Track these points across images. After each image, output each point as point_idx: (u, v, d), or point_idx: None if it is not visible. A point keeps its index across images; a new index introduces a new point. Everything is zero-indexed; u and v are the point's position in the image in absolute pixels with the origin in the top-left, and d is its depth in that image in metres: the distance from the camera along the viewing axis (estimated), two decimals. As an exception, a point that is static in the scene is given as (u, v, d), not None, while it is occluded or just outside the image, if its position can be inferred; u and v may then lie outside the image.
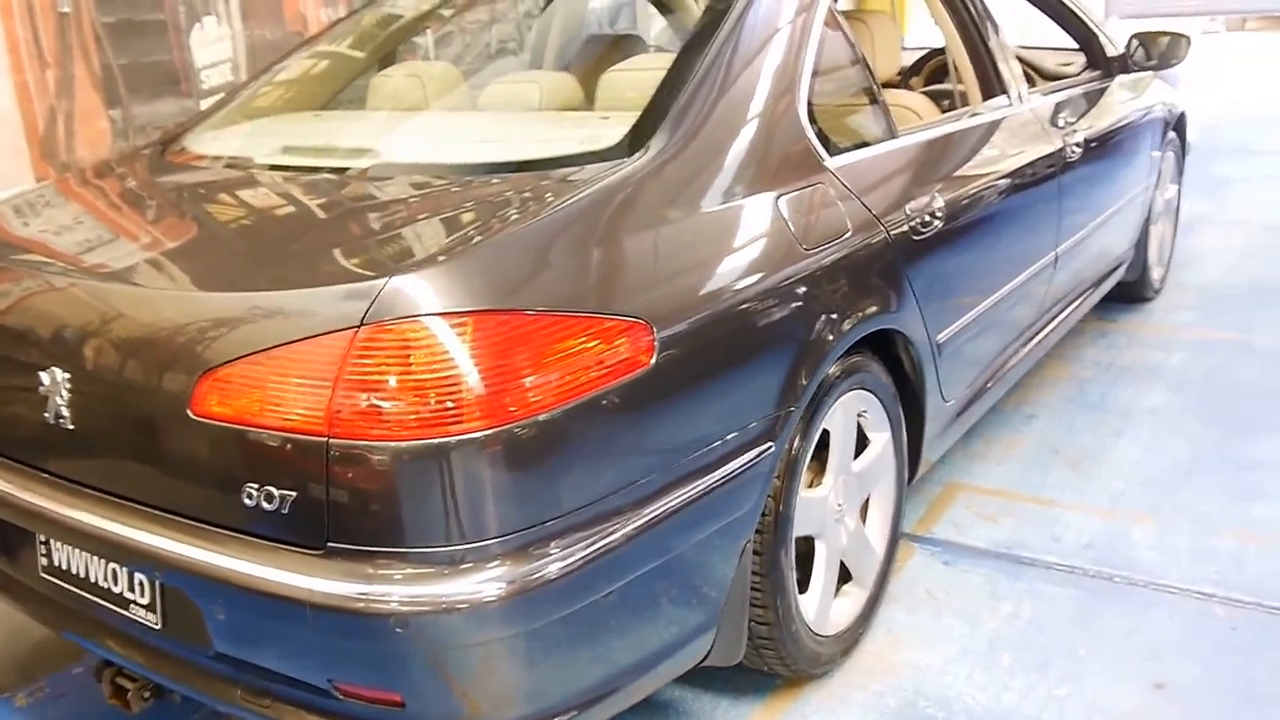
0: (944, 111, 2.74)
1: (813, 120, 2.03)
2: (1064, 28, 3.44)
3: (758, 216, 1.83)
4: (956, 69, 2.79)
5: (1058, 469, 2.92)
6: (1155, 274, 4.11)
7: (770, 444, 1.81)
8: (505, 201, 1.67)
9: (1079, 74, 3.49)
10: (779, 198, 1.87)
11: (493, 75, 2.42)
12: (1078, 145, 2.97)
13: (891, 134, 2.25)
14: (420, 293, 1.45)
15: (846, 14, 2.66)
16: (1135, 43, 3.50)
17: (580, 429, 1.50)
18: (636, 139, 1.78)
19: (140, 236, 1.90)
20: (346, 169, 1.95)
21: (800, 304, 1.84)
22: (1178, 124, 4.04)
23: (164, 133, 2.37)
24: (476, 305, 1.45)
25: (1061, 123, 2.98)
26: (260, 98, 2.50)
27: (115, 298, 1.66)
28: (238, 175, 2.06)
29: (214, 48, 3.23)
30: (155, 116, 3.11)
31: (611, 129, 1.84)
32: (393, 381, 1.42)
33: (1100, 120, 3.25)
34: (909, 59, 3.79)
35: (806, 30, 2.09)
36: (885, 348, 2.19)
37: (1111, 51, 3.48)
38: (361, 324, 1.43)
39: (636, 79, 2.03)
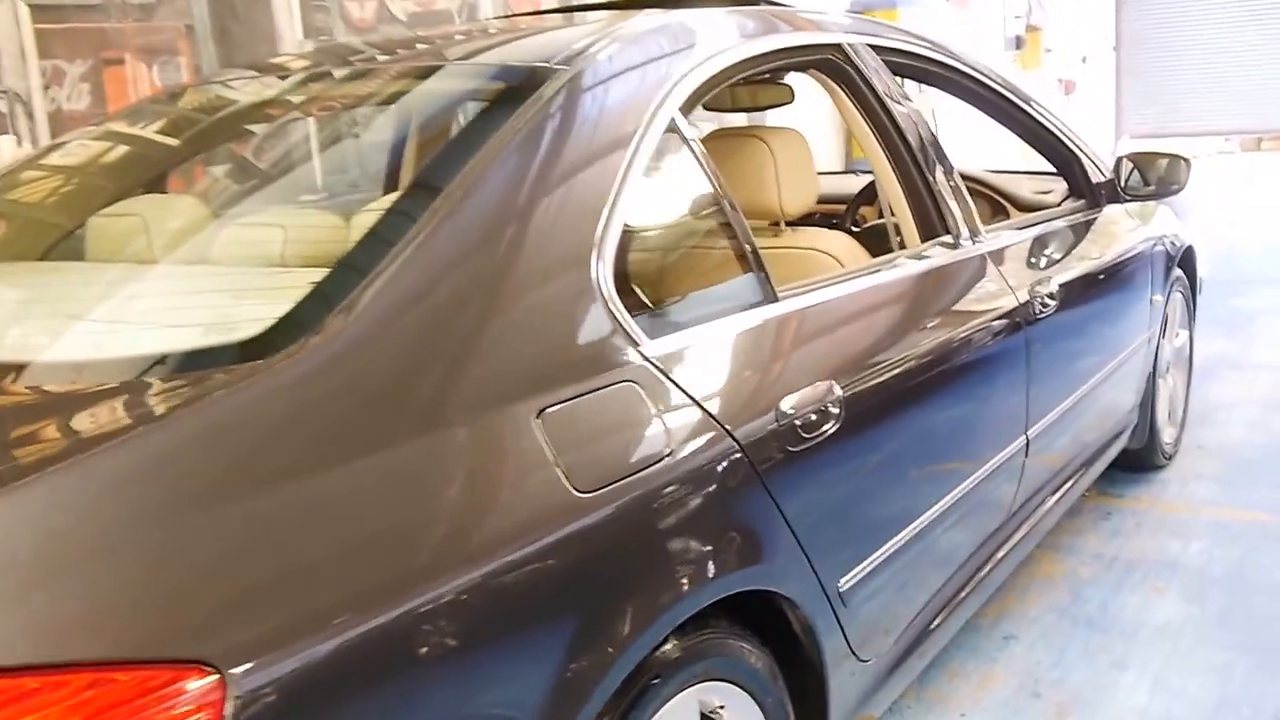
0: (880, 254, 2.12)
1: (625, 288, 1.40)
2: (1037, 148, 2.84)
3: (488, 451, 1.17)
4: (890, 205, 2.18)
5: (1039, 721, 2.20)
6: (1166, 436, 3.41)
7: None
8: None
9: (1059, 204, 2.88)
10: (540, 414, 1.22)
11: (257, 211, 1.81)
12: (1050, 296, 2.33)
13: (766, 297, 1.61)
14: None
15: (735, 131, 2.08)
16: (1129, 166, 2.89)
17: None
18: (289, 329, 1.15)
19: None
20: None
21: (563, 582, 1.18)
22: (1184, 259, 3.40)
23: None
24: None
25: (1029, 269, 2.35)
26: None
27: None
28: None
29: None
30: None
31: (274, 308, 1.20)
32: None
33: (1082, 262, 2.62)
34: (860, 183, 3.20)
35: (625, 158, 1.47)
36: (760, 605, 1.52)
37: (1098, 177, 2.87)
38: None
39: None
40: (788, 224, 2.22)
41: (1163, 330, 3.25)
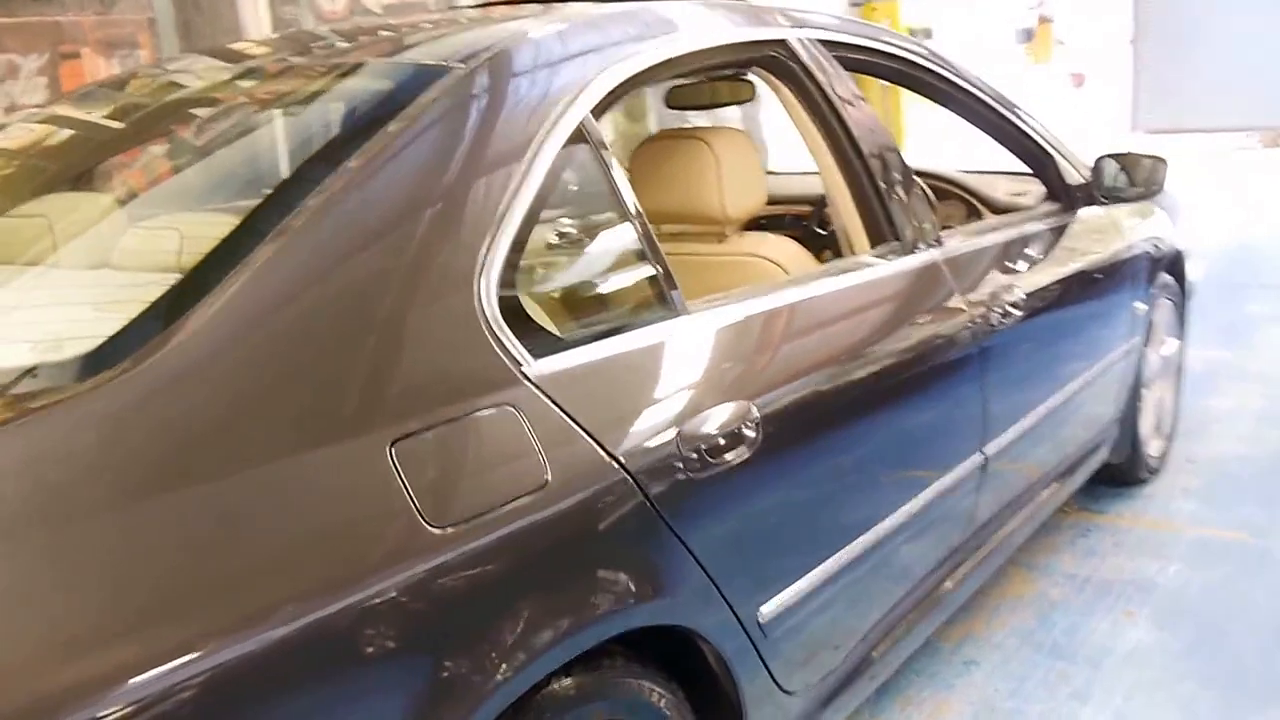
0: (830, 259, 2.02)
1: (513, 305, 1.31)
2: (1009, 148, 2.71)
3: (328, 486, 1.08)
4: (838, 209, 2.07)
5: (991, 756, 2.09)
6: (1152, 450, 3.29)
7: None
8: None
9: (1033, 207, 2.76)
10: (396, 443, 1.13)
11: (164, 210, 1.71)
12: (1013, 305, 2.21)
13: (675, 310, 1.51)
14: None
15: (676, 133, 2.00)
16: (1114, 167, 2.75)
17: None
18: (118, 347, 1.06)
19: None
20: None
21: (412, 626, 1.09)
22: (1172, 264, 3.26)
23: None
24: None
25: (990, 276, 2.24)
26: None
27: None
28: None
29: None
30: None
31: (108, 324, 1.12)
32: None
33: (1052, 269, 2.50)
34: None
35: (522, 166, 1.38)
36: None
37: (1074, 179, 2.75)
38: None
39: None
40: (738, 228, 2.13)
41: (1148, 339, 3.13)
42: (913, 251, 2.05)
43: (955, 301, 2.07)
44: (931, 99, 2.52)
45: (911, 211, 2.07)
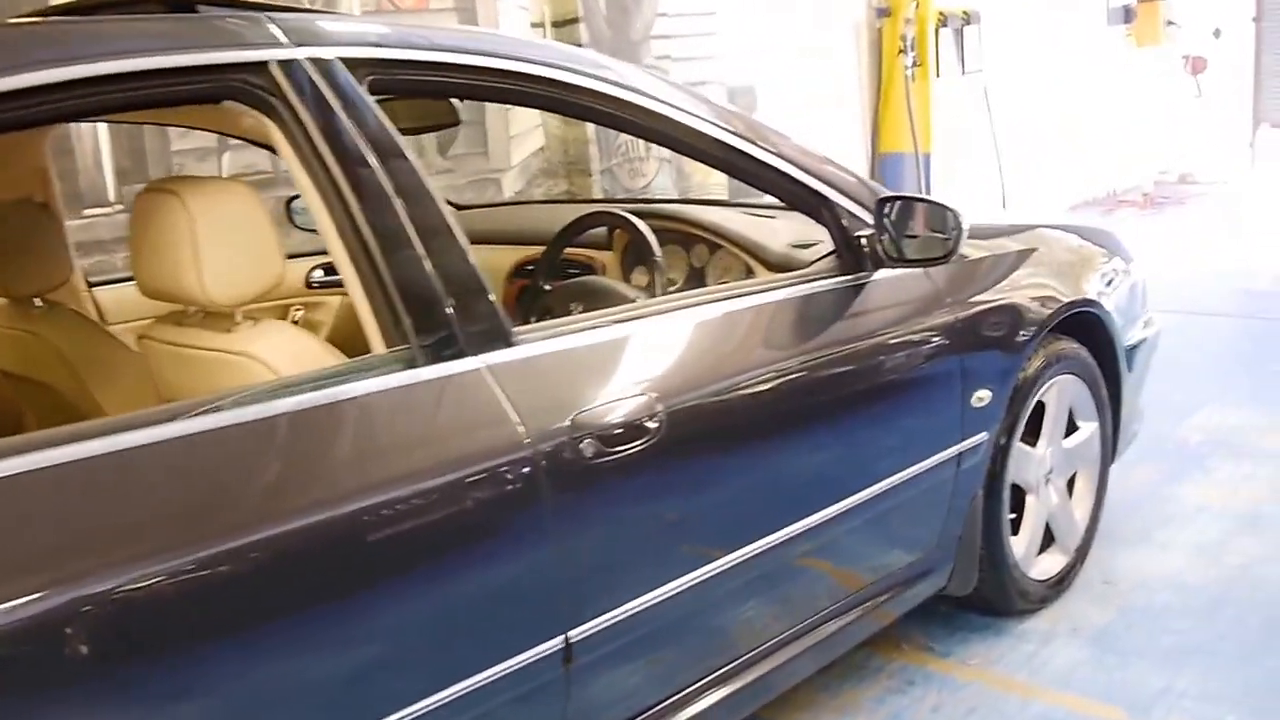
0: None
1: None
2: (748, 183, 2.00)
3: None
4: (352, 300, 1.48)
5: None
6: (1035, 571, 2.51)
7: None
8: None
9: (810, 264, 2.06)
10: None
11: None
12: (641, 427, 1.56)
13: None
14: None
15: (154, 187, 1.54)
16: (896, 215, 1.98)
17: None
18: None
19: None
20: None
21: None
22: (1078, 326, 2.47)
23: None
24: None
25: (602, 389, 1.58)
26: None
27: None
28: None
29: None
30: None
31: None
32: None
33: (772, 360, 1.81)
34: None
35: None
36: None
37: (864, 229, 2.02)
38: None
39: None
40: (253, 312, 1.57)
41: (1021, 430, 2.36)
42: (445, 359, 1.43)
43: (505, 429, 1.43)
44: (613, 127, 1.87)
45: (444, 304, 1.45)
